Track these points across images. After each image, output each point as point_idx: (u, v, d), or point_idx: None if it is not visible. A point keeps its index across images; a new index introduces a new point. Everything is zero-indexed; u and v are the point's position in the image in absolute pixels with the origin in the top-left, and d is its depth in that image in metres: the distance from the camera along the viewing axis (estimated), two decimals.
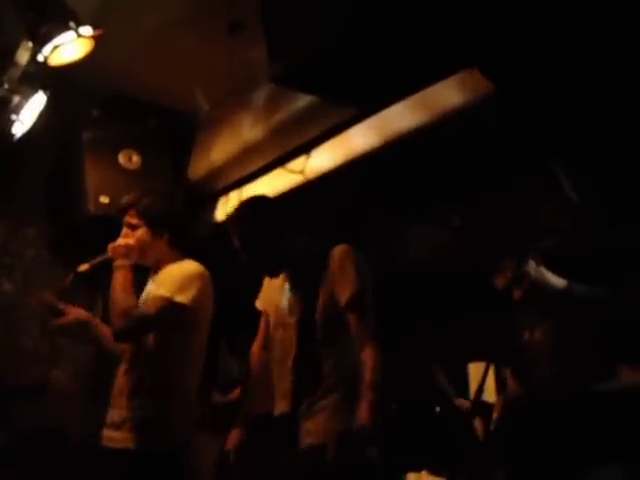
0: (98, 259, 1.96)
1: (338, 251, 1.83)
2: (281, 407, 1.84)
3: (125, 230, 2.00)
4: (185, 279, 1.90)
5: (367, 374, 1.70)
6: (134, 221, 1.99)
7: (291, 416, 1.77)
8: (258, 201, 2.06)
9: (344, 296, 1.79)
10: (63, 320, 1.98)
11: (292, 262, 1.89)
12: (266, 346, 1.99)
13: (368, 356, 1.72)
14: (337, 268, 1.81)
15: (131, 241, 1.97)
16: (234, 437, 1.92)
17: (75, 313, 2.01)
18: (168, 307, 1.84)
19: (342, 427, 1.68)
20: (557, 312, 2.05)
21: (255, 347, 2.04)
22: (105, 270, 1.95)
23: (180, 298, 1.85)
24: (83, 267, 1.95)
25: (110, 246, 1.95)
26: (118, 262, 1.91)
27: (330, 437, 1.68)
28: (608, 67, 1.85)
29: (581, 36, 1.75)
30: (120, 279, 1.88)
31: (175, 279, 1.90)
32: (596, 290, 2.04)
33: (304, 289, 1.84)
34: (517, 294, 2.14)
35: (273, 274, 1.94)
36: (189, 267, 1.95)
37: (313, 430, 1.74)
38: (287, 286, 1.89)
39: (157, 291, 1.89)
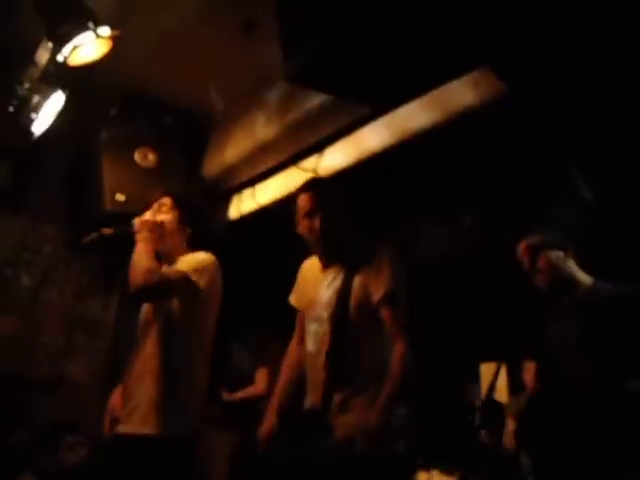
0: (123, 228, 1.97)
1: (377, 250, 1.88)
2: (312, 400, 1.86)
3: (154, 210, 2.06)
4: (200, 264, 1.95)
5: (393, 367, 1.76)
6: (168, 203, 2.06)
7: (322, 409, 1.79)
8: (340, 188, 2.09)
9: (378, 293, 1.83)
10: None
11: (350, 256, 1.92)
12: (303, 342, 2.00)
13: (397, 350, 1.78)
14: (374, 266, 1.85)
15: (158, 219, 2.02)
16: (267, 426, 1.93)
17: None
18: (186, 280, 1.89)
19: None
20: (584, 310, 2.02)
21: (293, 343, 2.06)
22: (124, 256, 1.96)
23: (195, 277, 1.90)
24: (107, 230, 1.97)
25: (137, 219, 1.98)
26: (141, 234, 1.93)
27: (359, 431, 1.71)
28: (618, 66, 1.84)
29: (592, 35, 1.74)
30: (142, 248, 1.91)
31: (191, 263, 1.96)
32: (622, 288, 2.01)
33: (347, 285, 1.87)
34: (541, 280, 2.10)
35: (330, 263, 1.95)
36: (203, 255, 2.01)
37: (349, 424, 1.76)
38: (338, 280, 1.90)
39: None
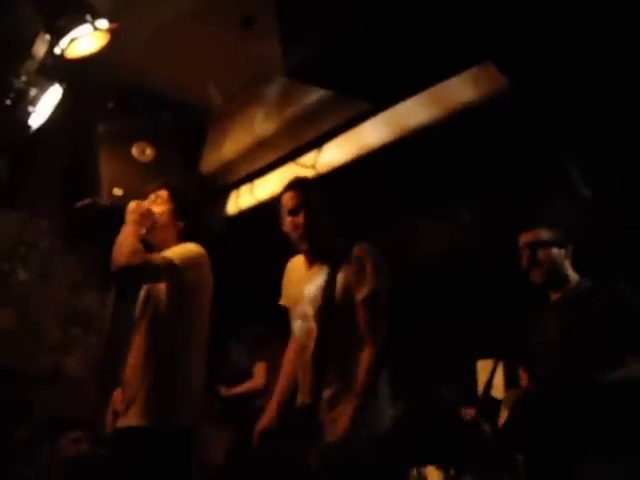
0: (116, 203, 1.93)
1: (358, 248, 1.88)
2: (302, 397, 1.87)
3: (149, 200, 2.06)
4: (186, 253, 1.95)
5: (359, 377, 1.75)
6: (164, 195, 2.06)
7: (312, 406, 1.80)
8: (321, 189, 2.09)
9: (361, 293, 1.83)
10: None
11: (333, 254, 1.92)
12: None
13: (365, 357, 1.77)
14: (356, 265, 1.85)
15: (153, 208, 2.01)
16: (265, 422, 1.94)
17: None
18: (171, 266, 1.88)
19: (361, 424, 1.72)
20: (566, 307, 2.05)
21: (292, 341, 2.05)
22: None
23: (180, 265, 1.90)
24: (104, 201, 1.95)
25: (133, 202, 1.98)
26: (132, 216, 1.93)
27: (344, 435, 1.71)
28: (620, 64, 1.84)
29: (595, 31, 1.74)
30: (130, 229, 1.90)
31: (177, 252, 1.96)
32: (599, 284, 2.03)
33: (331, 282, 1.87)
34: (537, 274, 2.12)
35: (314, 261, 1.95)
36: (191, 246, 2.01)
37: (338, 422, 1.76)
38: (322, 277, 1.90)
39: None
